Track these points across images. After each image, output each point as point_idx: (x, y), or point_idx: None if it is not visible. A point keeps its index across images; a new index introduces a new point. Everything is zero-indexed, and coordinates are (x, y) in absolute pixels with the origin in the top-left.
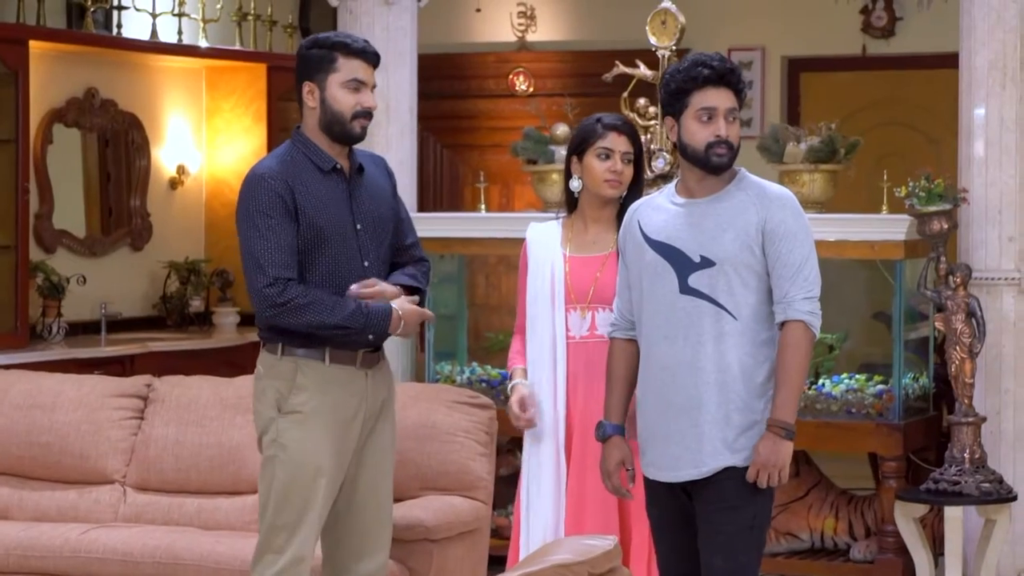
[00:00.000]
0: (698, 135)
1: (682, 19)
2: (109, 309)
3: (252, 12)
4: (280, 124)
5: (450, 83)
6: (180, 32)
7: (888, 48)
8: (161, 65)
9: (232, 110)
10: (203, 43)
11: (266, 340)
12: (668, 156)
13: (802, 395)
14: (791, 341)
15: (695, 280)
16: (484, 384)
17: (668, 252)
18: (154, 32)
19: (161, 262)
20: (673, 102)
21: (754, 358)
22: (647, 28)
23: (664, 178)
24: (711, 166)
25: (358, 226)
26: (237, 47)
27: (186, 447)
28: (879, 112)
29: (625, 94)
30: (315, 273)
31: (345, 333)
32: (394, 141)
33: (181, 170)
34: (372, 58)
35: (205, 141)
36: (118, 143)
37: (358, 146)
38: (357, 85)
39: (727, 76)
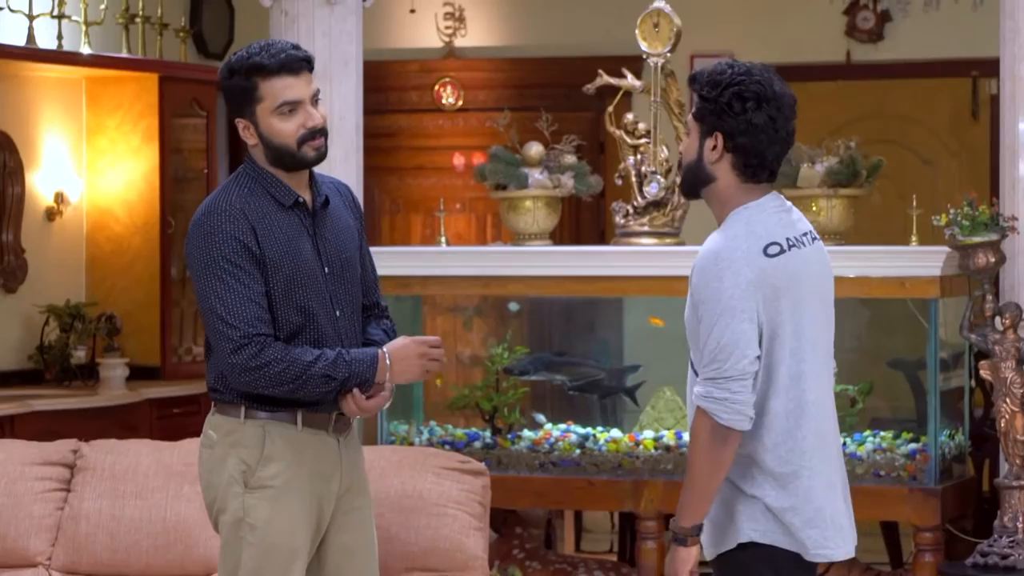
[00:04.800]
0: None
1: (678, 22)
2: None
3: (140, 14)
4: (173, 144)
5: (365, 96)
6: (60, 37)
7: (876, 54)
8: (38, 76)
9: (118, 128)
10: (85, 49)
11: (221, 400)
12: (662, 180)
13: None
14: (691, 431)
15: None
16: (448, 447)
17: None
18: (31, 37)
19: (38, 306)
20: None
21: None
22: (637, 32)
23: (657, 205)
24: None
25: (326, 269)
26: (124, 54)
27: (123, 524)
28: (865, 128)
29: (610, 108)
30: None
31: (327, 388)
32: (338, 164)
33: (59, 198)
34: (298, 66)
35: (86, 164)
36: None
37: (319, 168)
38: (291, 107)
39: (688, 83)
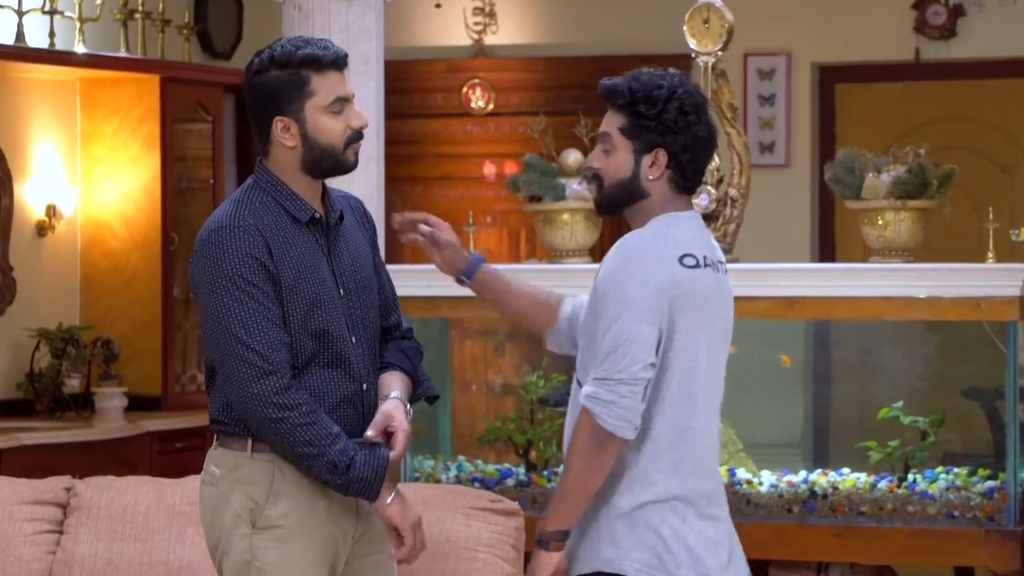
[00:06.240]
0: None
1: (730, 17)
2: None
3: (140, 9)
4: (176, 152)
5: (387, 98)
6: (52, 35)
7: (948, 52)
8: (28, 77)
9: (115, 134)
10: (80, 48)
11: (225, 433)
12: (713, 191)
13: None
14: (572, 432)
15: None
16: (478, 484)
17: None
18: (20, 35)
19: (28, 330)
20: None
21: None
22: (685, 29)
23: (707, 218)
24: None
25: (341, 292)
26: (122, 53)
27: (121, 569)
28: (936, 133)
29: None
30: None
31: (326, 475)
32: (357, 172)
33: (51, 211)
34: (344, 63)
35: (80, 174)
36: None
37: (330, 180)
38: (342, 105)
39: (605, 97)
